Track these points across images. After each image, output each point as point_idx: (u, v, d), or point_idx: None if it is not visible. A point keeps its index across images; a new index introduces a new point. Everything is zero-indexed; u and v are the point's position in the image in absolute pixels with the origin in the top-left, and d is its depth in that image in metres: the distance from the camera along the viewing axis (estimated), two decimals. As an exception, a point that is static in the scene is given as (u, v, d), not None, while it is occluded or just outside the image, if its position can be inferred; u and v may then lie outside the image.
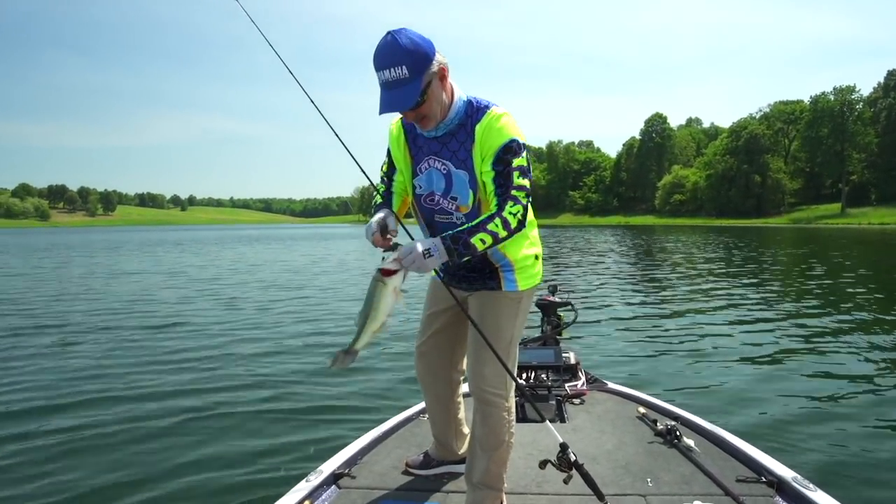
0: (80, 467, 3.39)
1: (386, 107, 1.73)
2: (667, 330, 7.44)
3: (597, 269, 15.95)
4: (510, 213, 1.76)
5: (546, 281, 2.56)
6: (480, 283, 2.01)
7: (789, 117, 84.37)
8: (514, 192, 1.78)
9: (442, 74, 1.77)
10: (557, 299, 3.66)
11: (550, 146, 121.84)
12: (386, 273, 1.72)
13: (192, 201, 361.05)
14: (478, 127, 1.81)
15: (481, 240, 1.72)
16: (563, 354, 3.34)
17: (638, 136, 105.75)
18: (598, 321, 7.95)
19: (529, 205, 1.85)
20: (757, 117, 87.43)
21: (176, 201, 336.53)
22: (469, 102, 1.87)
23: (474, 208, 1.89)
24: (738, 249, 22.99)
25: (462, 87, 1.86)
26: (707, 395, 4.67)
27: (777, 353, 6.01)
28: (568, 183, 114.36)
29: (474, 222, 1.77)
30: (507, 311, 2.00)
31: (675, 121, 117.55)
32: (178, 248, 31.28)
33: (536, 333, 3.63)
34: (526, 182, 1.81)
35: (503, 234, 1.75)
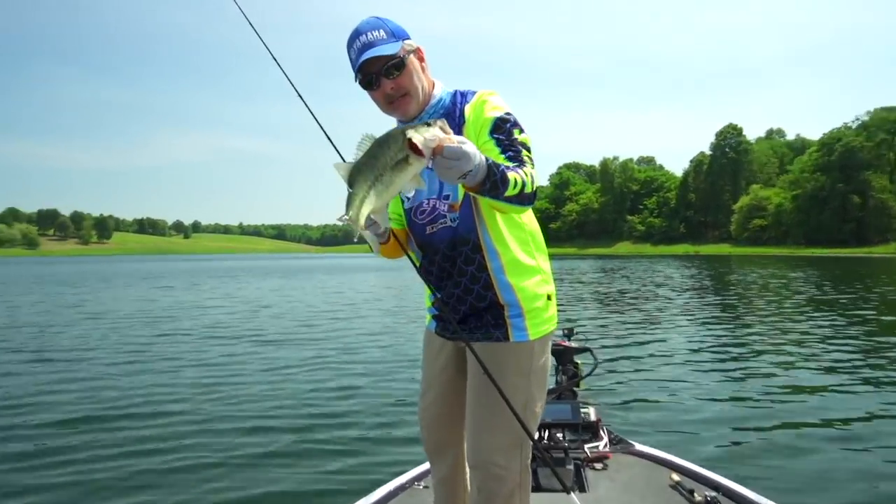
0: None
1: (364, 51, 1.81)
2: (708, 381, 7.24)
3: (629, 306, 15.70)
4: (528, 173, 1.74)
5: (560, 323, 2.55)
6: (482, 331, 1.94)
7: (894, 126, 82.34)
8: (524, 156, 1.81)
9: (419, 55, 1.95)
10: (574, 344, 3.64)
11: (604, 164, 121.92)
12: (413, 147, 1.47)
13: (196, 228, 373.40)
14: (468, 107, 1.94)
15: (515, 181, 1.67)
16: (582, 410, 3.31)
17: (708, 152, 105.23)
18: (624, 370, 7.76)
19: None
20: (853, 127, 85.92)
21: (179, 228, 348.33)
22: (455, 93, 2.01)
23: (465, 204, 1.92)
24: (830, 284, 22.28)
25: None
26: (753, 459, 4.51)
27: (849, 415, 5.71)
28: (625, 206, 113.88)
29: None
30: (518, 366, 1.92)
31: (753, 133, 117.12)
32: (179, 281, 31.94)
33: (550, 385, 3.60)
34: (528, 140, 1.86)
35: (529, 188, 1.72)
